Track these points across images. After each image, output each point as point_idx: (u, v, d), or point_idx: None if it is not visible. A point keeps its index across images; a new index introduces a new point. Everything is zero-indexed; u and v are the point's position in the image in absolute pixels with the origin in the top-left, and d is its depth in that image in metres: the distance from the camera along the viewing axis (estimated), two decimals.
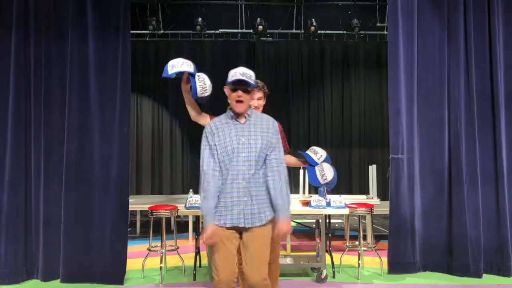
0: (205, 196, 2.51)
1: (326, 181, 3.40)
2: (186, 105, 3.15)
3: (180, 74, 3.02)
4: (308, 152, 3.53)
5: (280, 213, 2.53)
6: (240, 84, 2.54)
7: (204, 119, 3.15)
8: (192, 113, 3.16)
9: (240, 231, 2.54)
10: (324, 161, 3.49)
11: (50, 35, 4.23)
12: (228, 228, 2.52)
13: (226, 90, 2.63)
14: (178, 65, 2.99)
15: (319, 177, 3.37)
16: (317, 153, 3.51)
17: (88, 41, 4.20)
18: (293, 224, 5.68)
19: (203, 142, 2.60)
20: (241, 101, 2.54)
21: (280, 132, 3.13)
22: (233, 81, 2.55)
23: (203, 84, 2.97)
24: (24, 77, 4.22)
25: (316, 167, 3.43)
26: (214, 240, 2.47)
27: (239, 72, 2.56)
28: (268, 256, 2.54)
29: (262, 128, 2.60)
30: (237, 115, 2.58)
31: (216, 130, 2.58)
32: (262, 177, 2.55)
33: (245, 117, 2.60)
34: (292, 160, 3.48)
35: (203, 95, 2.99)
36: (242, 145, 2.52)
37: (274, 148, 2.59)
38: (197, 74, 3.00)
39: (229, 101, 2.61)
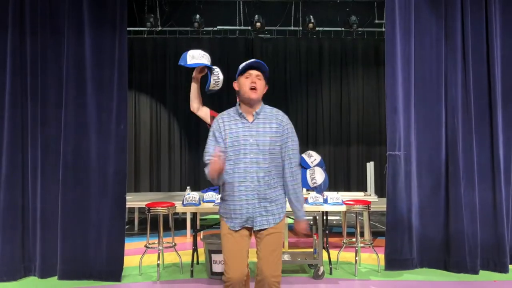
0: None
1: (315, 185, 3.39)
2: (191, 94, 3.14)
3: (197, 66, 3.04)
4: (303, 155, 3.54)
5: (297, 214, 2.54)
6: (254, 68, 2.49)
7: (203, 112, 3.15)
8: (194, 104, 3.16)
9: (251, 230, 2.50)
10: (317, 165, 3.49)
11: (46, 33, 4.22)
12: (236, 230, 2.47)
13: (236, 84, 2.56)
14: (198, 57, 3.01)
15: (308, 180, 3.38)
16: (311, 157, 3.51)
17: (84, 39, 4.19)
18: (290, 221, 5.69)
19: (210, 136, 2.54)
20: (255, 88, 2.46)
21: None
22: (247, 65, 2.48)
23: (217, 78, 3.01)
24: (20, 75, 4.21)
25: (308, 170, 3.43)
26: (218, 161, 2.32)
27: (251, 60, 2.52)
28: (281, 253, 2.52)
29: (271, 127, 2.49)
30: (245, 113, 2.50)
31: (223, 127, 2.50)
32: (273, 179, 2.47)
33: (253, 115, 2.50)
34: None
35: (214, 88, 3.01)
36: (250, 146, 2.44)
37: (287, 142, 2.52)
38: (214, 67, 3.03)
39: (241, 91, 2.51)
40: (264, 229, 2.47)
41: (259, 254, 2.47)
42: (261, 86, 2.52)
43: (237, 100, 3.23)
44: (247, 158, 2.43)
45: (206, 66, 3.02)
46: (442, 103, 4.45)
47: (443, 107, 4.46)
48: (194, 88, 3.10)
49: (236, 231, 2.47)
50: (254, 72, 2.51)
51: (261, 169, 2.43)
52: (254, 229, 2.46)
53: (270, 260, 2.43)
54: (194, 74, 3.06)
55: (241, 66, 2.54)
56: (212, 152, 2.45)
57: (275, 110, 2.59)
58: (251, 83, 2.47)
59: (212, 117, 3.16)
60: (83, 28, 4.19)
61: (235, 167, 2.44)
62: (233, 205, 2.46)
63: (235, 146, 2.45)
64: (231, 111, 2.58)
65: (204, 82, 3.19)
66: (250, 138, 2.46)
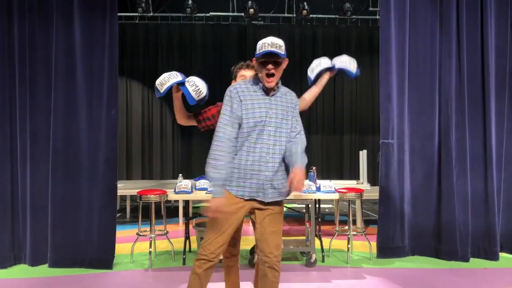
0: (215, 165, 2.32)
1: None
2: (175, 112, 3.02)
3: (171, 88, 2.93)
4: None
5: (298, 161, 2.38)
6: (270, 57, 2.39)
7: (193, 122, 3.05)
8: (181, 119, 3.00)
9: (253, 205, 2.44)
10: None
11: (34, 19, 4.11)
12: (245, 200, 2.41)
13: (254, 62, 2.47)
14: (166, 81, 2.90)
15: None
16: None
17: (73, 24, 4.10)
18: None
19: (225, 106, 2.44)
20: (272, 75, 2.41)
21: None
22: (261, 53, 2.38)
23: (195, 87, 2.88)
24: (8, 61, 4.11)
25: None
26: (218, 214, 2.31)
27: (268, 43, 2.38)
28: (281, 234, 2.49)
29: (287, 102, 2.49)
30: (264, 87, 2.45)
31: (244, 96, 2.42)
32: (286, 152, 2.45)
33: (274, 89, 2.48)
34: None
35: (200, 97, 2.90)
36: (270, 118, 2.40)
37: (297, 120, 2.53)
38: (187, 79, 2.92)
39: (258, 74, 2.46)
40: (267, 206, 2.42)
41: (259, 236, 2.43)
42: (279, 71, 2.44)
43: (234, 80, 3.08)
44: (265, 130, 2.40)
45: (177, 84, 2.89)
46: (436, 91, 4.44)
47: (437, 95, 4.45)
48: (176, 106, 2.96)
49: (245, 200, 2.40)
50: (270, 59, 2.40)
51: (277, 142, 2.42)
52: (265, 201, 2.41)
53: (271, 240, 2.41)
54: (172, 93, 2.94)
55: (260, 46, 2.42)
56: (223, 129, 2.38)
57: (287, 89, 2.58)
58: (267, 69, 2.40)
59: (198, 120, 3.01)
60: (72, 12, 4.10)
61: (253, 137, 2.39)
62: (244, 173, 2.38)
63: (256, 117, 2.40)
64: (249, 82, 2.51)
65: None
66: (270, 110, 2.42)
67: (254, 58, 2.46)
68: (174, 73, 2.94)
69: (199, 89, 2.86)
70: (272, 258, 2.38)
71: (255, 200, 2.42)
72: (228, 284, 2.80)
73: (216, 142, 2.37)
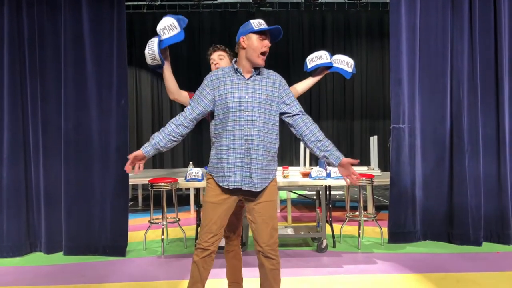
0: (161, 130, 2.41)
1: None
2: (164, 80, 2.85)
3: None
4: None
5: (339, 156, 2.37)
6: (268, 35, 2.38)
7: (182, 97, 2.89)
8: (170, 88, 2.80)
9: (242, 194, 2.42)
10: None
11: (42, 8, 4.13)
12: (231, 190, 2.39)
13: (244, 40, 2.38)
14: (171, 26, 2.64)
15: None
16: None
17: (82, 13, 4.10)
18: (293, 196, 5.69)
19: (198, 91, 2.44)
20: (265, 53, 2.38)
21: None
22: (268, 28, 2.36)
23: (149, 50, 2.62)
24: (18, 51, 4.15)
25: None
26: (130, 162, 2.33)
27: (264, 23, 2.39)
28: (276, 218, 2.45)
29: (268, 85, 2.39)
30: (242, 69, 2.40)
31: (218, 83, 2.40)
32: (268, 139, 2.38)
33: (252, 71, 2.40)
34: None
35: (153, 63, 2.68)
36: (245, 103, 2.33)
37: (291, 101, 2.43)
38: (161, 38, 2.64)
39: (250, 51, 2.36)
40: (255, 196, 2.40)
41: (252, 226, 2.43)
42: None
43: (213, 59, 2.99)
44: (242, 116, 2.34)
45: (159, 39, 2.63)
46: (447, 74, 4.38)
47: (449, 78, 4.38)
48: (166, 71, 2.74)
49: (230, 190, 2.39)
50: (268, 37, 2.40)
51: (256, 127, 2.35)
52: (247, 189, 2.38)
53: (261, 229, 2.38)
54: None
55: (257, 23, 2.38)
56: (187, 110, 2.44)
57: (272, 72, 2.50)
58: (264, 46, 2.37)
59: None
60: (81, 2, 4.10)
61: (229, 124, 2.36)
62: (227, 162, 2.37)
63: (229, 103, 2.35)
64: (227, 68, 2.48)
65: (173, 63, 2.84)
66: (246, 94, 2.36)
67: (244, 36, 2.38)
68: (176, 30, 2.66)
69: (152, 55, 2.63)
70: (264, 247, 2.37)
71: (241, 189, 2.39)
72: (227, 268, 2.81)
73: (175, 118, 2.45)
